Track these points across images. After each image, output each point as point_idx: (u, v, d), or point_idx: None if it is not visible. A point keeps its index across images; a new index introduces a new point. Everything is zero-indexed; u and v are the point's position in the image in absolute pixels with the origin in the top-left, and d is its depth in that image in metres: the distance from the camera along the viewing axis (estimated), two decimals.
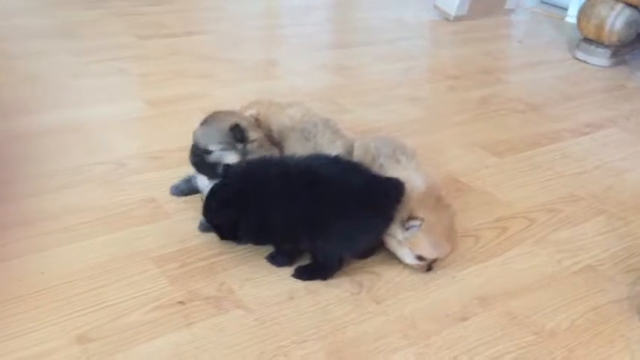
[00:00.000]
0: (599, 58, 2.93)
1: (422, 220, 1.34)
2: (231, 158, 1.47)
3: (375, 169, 1.45)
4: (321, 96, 2.38)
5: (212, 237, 1.47)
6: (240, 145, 1.48)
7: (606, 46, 2.92)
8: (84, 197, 1.61)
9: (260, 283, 1.34)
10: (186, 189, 1.62)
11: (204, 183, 1.51)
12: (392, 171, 1.43)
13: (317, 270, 1.36)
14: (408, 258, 1.39)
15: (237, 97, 2.29)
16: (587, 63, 2.95)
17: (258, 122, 1.59)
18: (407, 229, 1.35)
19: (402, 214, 1.36)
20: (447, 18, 3.51)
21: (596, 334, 1.28)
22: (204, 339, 1.18)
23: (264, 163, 1.39)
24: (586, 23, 2.93)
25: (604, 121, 2.32)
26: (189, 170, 1.58)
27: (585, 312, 1.34)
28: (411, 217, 1.34)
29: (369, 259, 1.43)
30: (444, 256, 1.41)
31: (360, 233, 1.33)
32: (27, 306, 1.23)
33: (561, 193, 1.79)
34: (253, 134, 1.51)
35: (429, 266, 1.40)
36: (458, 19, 3.48)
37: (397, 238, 1.37)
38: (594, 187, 1.84)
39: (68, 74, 2.45)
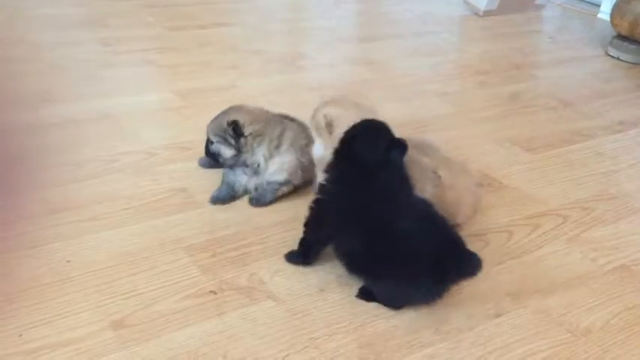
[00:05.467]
0: (633, 55, 2.88)
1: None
2: (225, 151, 1.59)
3: None
4: (349, 89, 2.37)
5: (242, 228, 1.48)
6: (233, 140, 1.58)
7: None
8: (113, 186, 1.62)
9: (291, 274, 1.34)
10: (207, 163, 1.69)
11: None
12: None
13: None
14: None
15: (264, 89, 2.30)
16: (620, 60, 2.90)
17: (329, 126, 1.44)
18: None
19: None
20: (476, 13, 3.47)
21: (631, 334, 1.26)
22: (236, 328, 1.18)
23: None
24: (620, 19, 2.87)
25: (638, 119, 2.27)
26: None
27: (620, 312, 1.31)
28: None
29: None
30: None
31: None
32: (55, 294, 1.24)
33: (595, 191, 1.76)
34: (249, 129, 1.57)
35: None
36: (487, 14, 3.44)
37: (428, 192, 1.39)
38: (628, 186, 1.80)
39: (97, 64, 2.46)
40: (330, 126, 1.41)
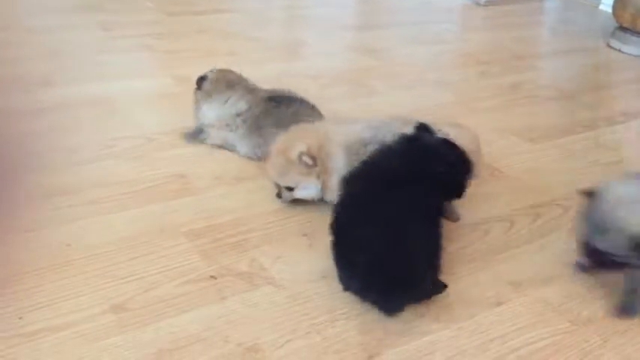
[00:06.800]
0: (634, 47, 2.87)
1: None
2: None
3: None
4: (349, 78, 2.36)
5: (242, 214, 1.47)
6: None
7: None
8: (111, 171, 1.60)
9: (291, 261, 1.33)
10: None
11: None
12: None
13: None
14: None
15: (263, 75, 2.27)
16: (622, 52, 2.89)
17: (314, 159, 1.40)
18: None
19: None
20: (477, 2, 3.46)
21: (632, 324, 1.25)
22: (237, 313, 1.17)
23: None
24: (622, 11, 2.86)
25: (639, 111, 2.27)
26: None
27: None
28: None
29: None
30: None
31: None
32: (54, 277, 1.23)
33: (596, 181, 1.75)
34: (206, 85, 1.74)
35: None
36: (489, 3, 3.43)
37: None
38: None
39: (94, 49, 2.45)
40: (314, 158, 1.38)
